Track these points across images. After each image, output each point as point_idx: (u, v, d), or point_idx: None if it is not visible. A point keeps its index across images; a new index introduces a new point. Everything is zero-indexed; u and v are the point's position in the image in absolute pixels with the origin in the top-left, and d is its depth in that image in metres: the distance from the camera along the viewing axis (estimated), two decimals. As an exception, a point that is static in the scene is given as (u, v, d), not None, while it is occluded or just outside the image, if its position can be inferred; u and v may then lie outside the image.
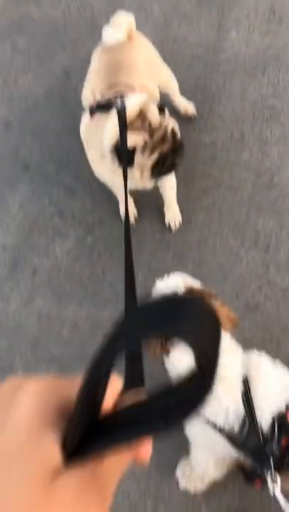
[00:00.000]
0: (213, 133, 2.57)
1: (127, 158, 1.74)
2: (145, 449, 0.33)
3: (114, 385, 0.35)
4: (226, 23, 2.93)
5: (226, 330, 1.42)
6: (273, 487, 1.25)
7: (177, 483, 1.80)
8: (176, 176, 2.21)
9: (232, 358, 1.40)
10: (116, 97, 1.89)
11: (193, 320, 0.29)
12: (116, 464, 0.32)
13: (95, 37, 2.92)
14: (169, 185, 2.18)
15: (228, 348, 1.42)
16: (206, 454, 1.56)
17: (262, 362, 1.44)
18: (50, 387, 0.33)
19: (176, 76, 2.46)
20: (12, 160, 2.70)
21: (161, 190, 2.22)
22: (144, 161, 1.79)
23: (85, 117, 2.07)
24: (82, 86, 2.32)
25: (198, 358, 0.29)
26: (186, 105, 2.57)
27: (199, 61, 2.84)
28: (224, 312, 1.44)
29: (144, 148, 1.75)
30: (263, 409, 1.34)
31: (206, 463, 1.60)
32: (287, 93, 2.60)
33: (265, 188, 2.34)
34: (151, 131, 1.74)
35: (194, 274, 1.68)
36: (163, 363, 1.49)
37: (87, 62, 2.34)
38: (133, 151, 1.77)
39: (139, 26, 2.34)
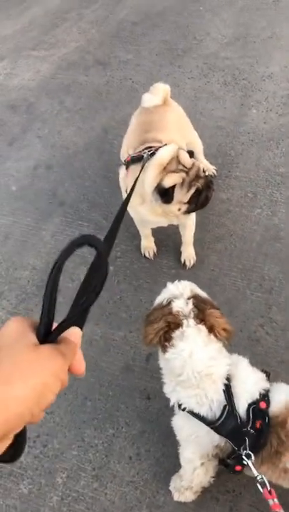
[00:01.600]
0: (230, 191, 2.92)
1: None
2: (78, 361, 0.67)
3: (75, 333, 0.66)
4: (248, 103, 3.39)
5: (220, 338, 1.60)
6: (248, 462, 1.45)
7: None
8: (195, 223, 2.52)
9: (219, 361, 1.58)
10: (146, 151, 2.21)
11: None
12: (68, 347, 0.64)
13: (133, 104, 3.39)
14: (189, 225, 2.47)
15: (217, 353, 1.58)
16: (192, 449, 1.70)
17: (240, 361, 1.65)
18: (20, 318, 0.65)
19: (202, 142, 2.84)
20: (50, 196, 3.04)
21: (181, 230, 2.52)
22: (182, 196, 2.09)
23: (122, 170, 2.39)
24: (118, 142, 2.69)
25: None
26: (208, 165, 2.94)
27: (222, 131, 3.26)
28: (221, 323, 1.60)
29: (182, 184, 2.07)
30: (240, 398, 1.53)
31: (193, 466, 1.74)
32: (296, 164, 2.98)
33: (272, 239, 2.64)
34: (186, 171, 2.07)
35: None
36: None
37: (124, 123, 2.74)
38: (172, 189, 2.07)
39: (173, 99, 2.75)
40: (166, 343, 1.54)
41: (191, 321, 1.52)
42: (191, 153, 2.13)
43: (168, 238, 2.71)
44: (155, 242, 2.67)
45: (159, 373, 2.21)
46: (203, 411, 1.54)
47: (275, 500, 1.37)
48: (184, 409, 1.58)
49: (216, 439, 1.57)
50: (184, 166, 2.06)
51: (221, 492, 1.91)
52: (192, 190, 2.08)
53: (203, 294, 1.67)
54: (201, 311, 1.55)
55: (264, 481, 1.41)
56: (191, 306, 1.54)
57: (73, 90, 3.79)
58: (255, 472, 1.43)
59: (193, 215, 2.40)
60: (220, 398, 1.54)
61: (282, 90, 3.44)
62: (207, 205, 2.24)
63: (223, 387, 1.55)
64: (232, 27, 4.12)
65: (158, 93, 2.51)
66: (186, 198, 2.09)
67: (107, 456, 2.04)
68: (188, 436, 1.68)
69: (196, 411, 1.56)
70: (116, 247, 2.72)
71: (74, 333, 0.66)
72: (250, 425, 1.49)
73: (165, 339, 1.55)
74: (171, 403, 1.63)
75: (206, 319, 1.54)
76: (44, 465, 2.04)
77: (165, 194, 2.06)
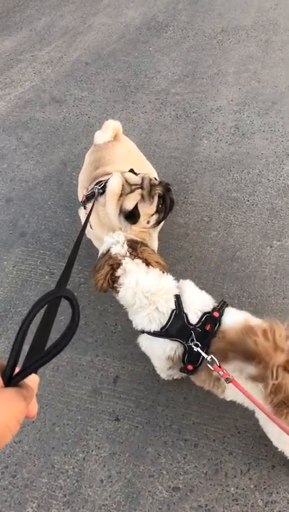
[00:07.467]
0: (187, 216, 3.03)
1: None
2: (32, 406, 0.71)
3: (34, 379, 0.71)
4: (199, 134, 3.57)
5: (156, 267, 1.87)
6: (196, 348, 1.68)
7: (145, 514, 1.92)
8: (157, 247, 2.61)
9: (164, 278, 1.83)
10: (96, 186, 2.26)
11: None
12: (28, 392, 0.69)
13: (90, 137, 3.50)
14: (153, 247, 2.54)
15: (159, 275, 1.83)
16: (156, 361, 1.97)
17: (186, 282, 1.89)
18: None
19: (157, 171, 2.97)
20: (10, 227, 3.07)
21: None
22: (148, 209, 2.15)
23: (81, 211, 2.45)
24: (77, 174, 2.76)
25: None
26: (164, 193, 3.05)
27: (176, 161, 3.41)
28: (154, 258, 1.89)
29: (143, 199, 2.14)
30: (189, 305, 1.76)
31: (163, 369, 2.05)
32: (248, 188, 3.14)
33: (229, 259, 2.75)
34: (140, 186, 2.15)
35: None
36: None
37: (82, 156, 2.83)
38: (136, 209, 2.14)
39: (128, 132, 2.87)
40: (116, 285, 1.81)
41: (128, 259, 1.80)
42: (132, 171, 2.21)
43: (129, 263, 2.77)
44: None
45: (127, 394, 2.25)
46: (153, 327, 1.77)
47: (224, 370, 1.60)
48: (142, 332, 1.83)
49: (167, 350, 1.80)
50: (135, 184, 2.15)
51: (194, 508, 1.91)
52: (155, 200, 2.15)
53: (136, 238, 1.98)
54: (134, 249, 1.85)
55: (213, 359, 1.64)
56: (126, 247, 1.84)
57: (31, 126, 3.88)
58: (204, 354, 1.66)
59: (156, 238, 2.48)
60: (172, 306, 1.76)
61: (230, 121, 3.66)
62: (173, 207, 2.32)
63: (174, 298, 1.77)
64: (180, 65, 4.37)
65: (108, 129, 2.57)
66: (153, 208, 2.16)
67: (78, 481, 2.01)
68: (146, 349, 1.95)
69: (147, 329, 1.79)
70: (79, 273, 2.76)
71: (33, 380, 0.71)
72: (199, 325, 1.71)
73: (113, 281, 1.82)
74: (133, 326, 1.87)
75: (140, 256, 1.83)
76: (13, 496, 1.99)
77: (131, 216, 2.13)
